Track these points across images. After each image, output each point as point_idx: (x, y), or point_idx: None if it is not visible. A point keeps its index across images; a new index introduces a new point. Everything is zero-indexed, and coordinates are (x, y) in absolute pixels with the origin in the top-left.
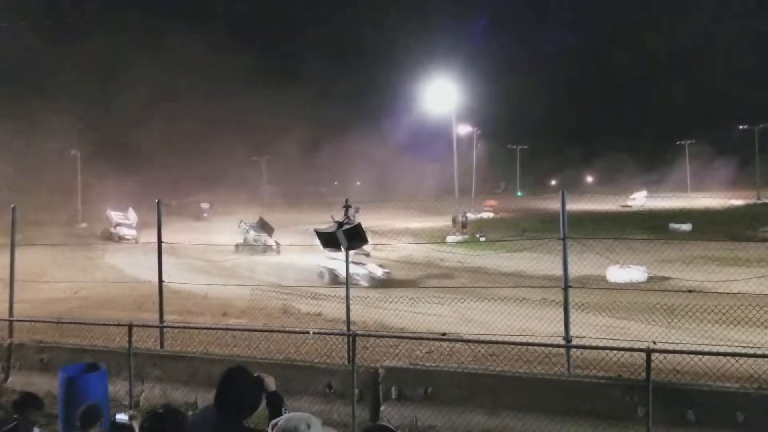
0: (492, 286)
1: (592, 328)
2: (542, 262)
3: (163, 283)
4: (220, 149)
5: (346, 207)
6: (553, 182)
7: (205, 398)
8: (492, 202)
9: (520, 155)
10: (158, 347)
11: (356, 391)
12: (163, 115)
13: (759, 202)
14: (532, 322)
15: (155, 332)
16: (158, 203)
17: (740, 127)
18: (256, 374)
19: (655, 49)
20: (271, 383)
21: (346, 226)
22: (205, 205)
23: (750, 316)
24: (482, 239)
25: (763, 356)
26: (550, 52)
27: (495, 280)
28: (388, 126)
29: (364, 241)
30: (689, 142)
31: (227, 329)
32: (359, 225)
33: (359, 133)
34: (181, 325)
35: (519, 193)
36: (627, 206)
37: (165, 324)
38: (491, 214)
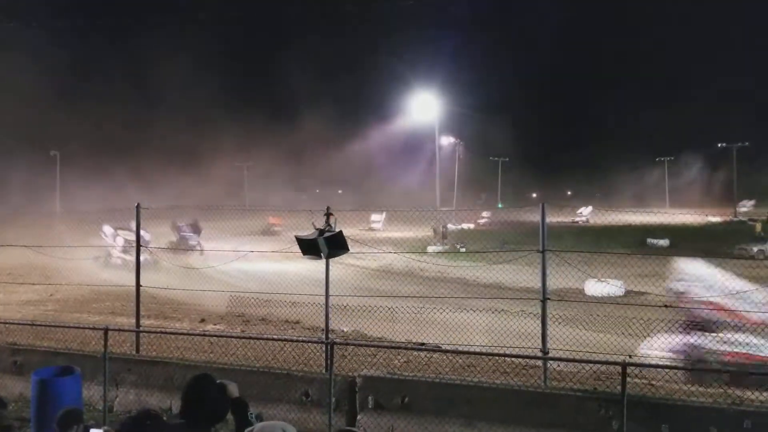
0: (470, 297)
1: (568, 340)
2: (521, 274)
3: (141, 288)
4: (201, 156)
5: (328, 214)
6: (534, 195)
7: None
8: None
9: (501, 167)
10: (134, 352)
11: (333, 399)
12: (145, 120)
13: (736, 219)
14: (509, 335)
15: (131, 337)
16: (137, 207)
17: (719, 145)
18: (218, 381)
19: (637, 64)
20: (234, 390)
21: (327, 234)
22: None
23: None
24: (462, 250)
25: (737, 372)
26: (534, 66)
27: (474, 291)
28: (371, 136)
29: (345, 249)
30: (668, 158)
31: (204, 335)
32: (340, 233)
33: (341, 143)
34: (158, 330)
35: (500, 205)
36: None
37: (141, 329)
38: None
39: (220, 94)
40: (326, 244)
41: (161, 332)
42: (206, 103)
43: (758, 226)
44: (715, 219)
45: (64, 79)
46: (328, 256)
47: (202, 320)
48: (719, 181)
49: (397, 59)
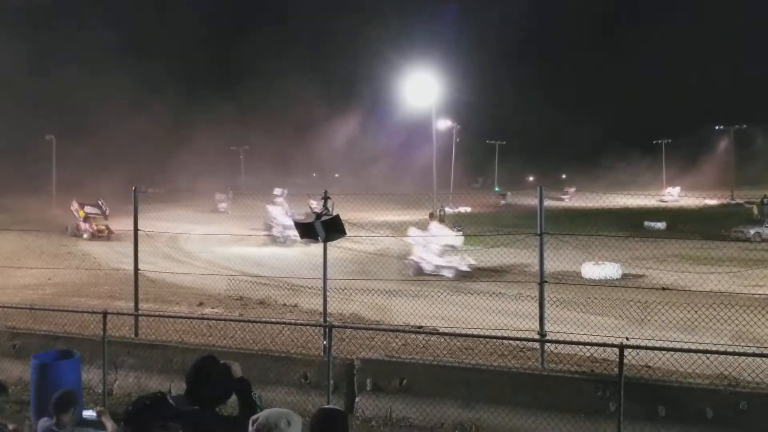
0: (468, 280)
1: (566, 323)
2: (519, 257)
3: (139, 272)
4: (198, 139)
5: (325, 198)
6: (531, 178)
7: (180, 387)
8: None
9: (498, 151)
10: (133, 335)
11: (331, 382)
12: (140, 105)
13: (733, 201)
14: (507, 317)
15: (130, 320)
16: (135, 191)
17: (716, 127)
18: (222, 362)
19: (633, 47)
20: (237, 370)
21: (324, 217)
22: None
23: (721, 314)
24: (460, 234)
25: (734, 354)
26: (530, 49)
27: (471, 275)
28: (368, 119)
29: (342, 232)
30: (665, 141)
31: (203, 318)
32: (338, 216)
33: (338, 125)
34: (156, 313)
35: (497, 189)
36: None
37: (140, 312)
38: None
39: (212, 74)
40: (323, 228)
41: (160, 315)
42: (197, 86)
43: (755, 209)
44: (712, 202)
45: (44, 61)
46: (326, 240)
47: (201, 304)
48: (717, 163)
49: (394, 40)
